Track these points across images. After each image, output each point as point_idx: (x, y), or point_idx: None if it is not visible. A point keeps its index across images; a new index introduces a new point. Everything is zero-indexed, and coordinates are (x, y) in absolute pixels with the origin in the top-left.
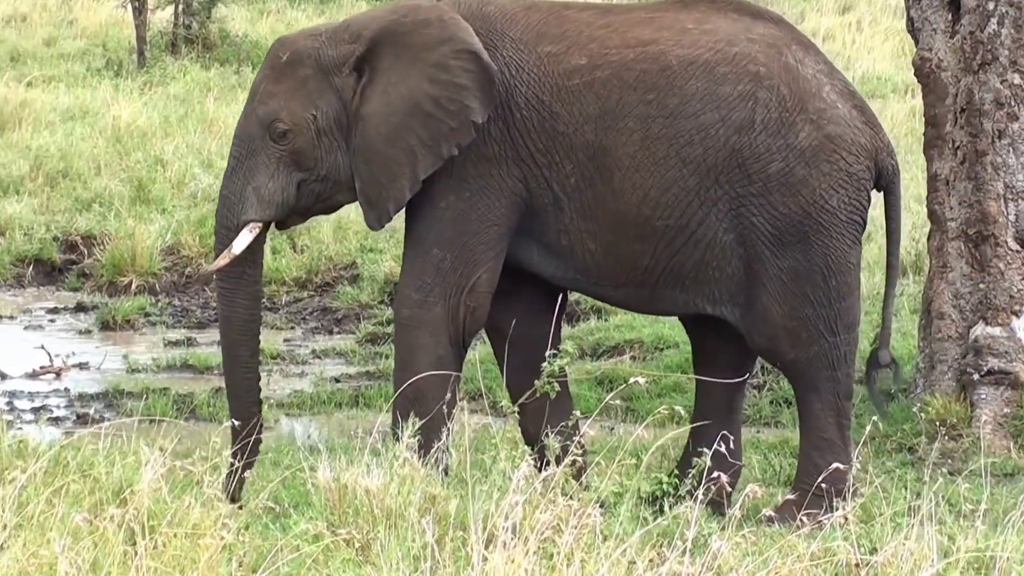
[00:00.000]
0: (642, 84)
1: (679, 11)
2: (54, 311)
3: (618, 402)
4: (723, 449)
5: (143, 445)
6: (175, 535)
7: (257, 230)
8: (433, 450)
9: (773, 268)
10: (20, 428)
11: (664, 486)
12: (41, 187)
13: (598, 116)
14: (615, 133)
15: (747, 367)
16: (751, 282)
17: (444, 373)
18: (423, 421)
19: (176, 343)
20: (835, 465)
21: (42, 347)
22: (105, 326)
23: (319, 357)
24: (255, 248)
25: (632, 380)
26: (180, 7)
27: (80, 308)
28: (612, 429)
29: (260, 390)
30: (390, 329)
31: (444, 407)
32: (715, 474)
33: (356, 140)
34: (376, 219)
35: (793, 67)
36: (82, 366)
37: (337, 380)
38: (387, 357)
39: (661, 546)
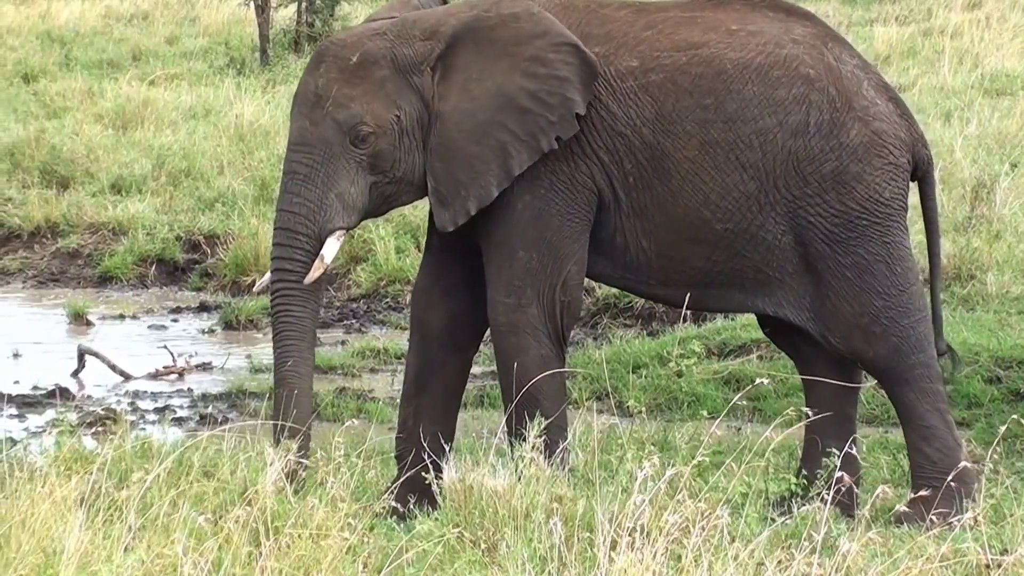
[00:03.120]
0: (698, 88)
1: (716, 11)
2: (177, 311)
3: (744, 402)
4: (852, 451)
5: (267, 446)
6: (299, 536)
7: (343, 238)
8: (559, 450)
9: (836, 265)
10: (143, 429)
11: (792, 487)
12: (164, 186)
13: (655, 119)
14: (673, 136)
15: (855, 372)
16: (816, 282)
17: (552, 372)
18: (546, 422)
19: None
20: (963, 464)
21: (165, 347)
22: (228, 326)
23: None
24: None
25: (758, 381)
26: (303, 5)
27: (203, 308)
28: (739, 429)
29: (313, 402)
30: None
31: (560, 405)
32: (839, 474)
33: (433, 139)
34: (451, 219)
35: (835, 67)
36: (205, 366)
37: None
38: None
39: (789, 547)
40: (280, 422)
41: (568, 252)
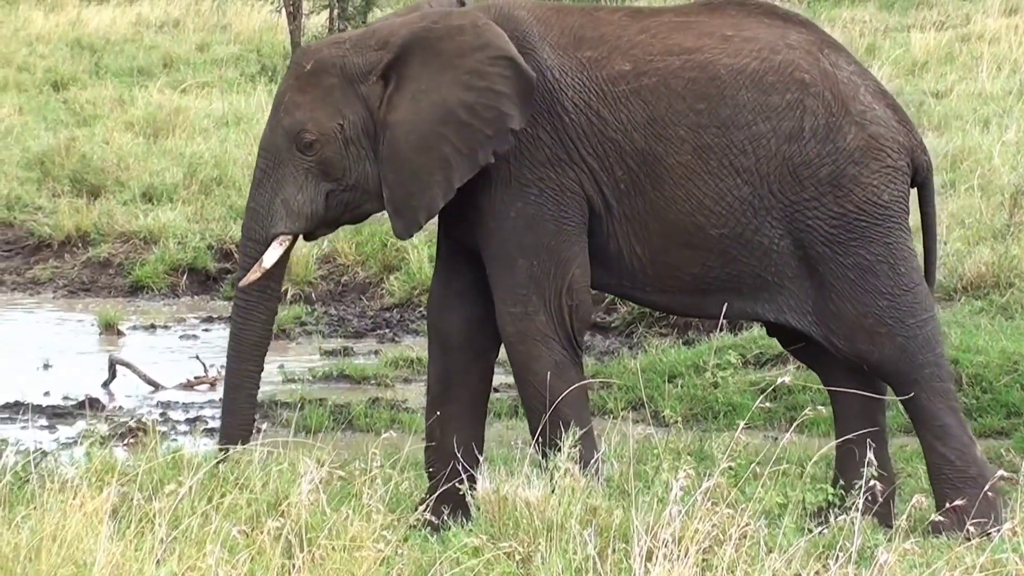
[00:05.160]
0: (691, 93)
1: (712, 16)
2: (208, 320)
3: (773, 407)
4: (888, 460)
5: (301, 457)
6: (333, 548)
7: (287, 243)
8: (593, 459)
9: (838, 267)
10: (175, 440)
11: (829, 497)
12: (195, 195)
13: (646, 123)
14: (665, 141)
15: (878, 381)
16: (817, 286)
17: (568, 377)
18: (571, 429)
19: (332, 353)
20: (1000, 473)
21: (197, 357)
22: None
23: None
24: (280, 262)
25: (780, 380)
26: (335, 12)
27: None
28: (775, 439)
29: (256, 409)
30: None
31: (583, 411)
32: (872, 483)
33: (383, 149)
34: (404, 228)
35: (831, 72)
36: None
37: (496, 390)
38: None
39: (826, 557)
40: (224, 421)
41: (569, 255)
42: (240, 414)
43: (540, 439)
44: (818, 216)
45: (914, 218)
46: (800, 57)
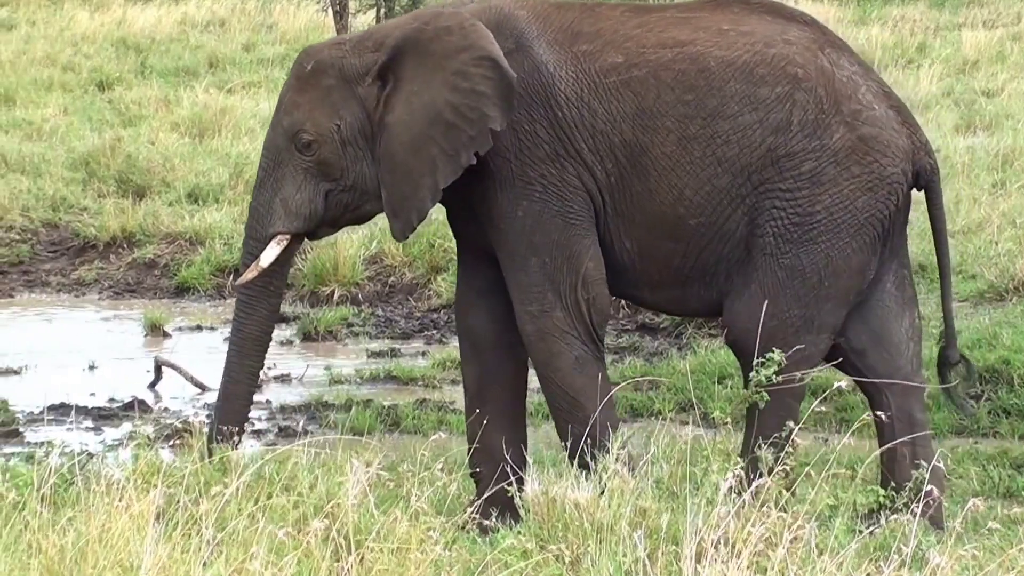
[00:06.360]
0: (680, 84)
1: (713, 12)
2: None
3: (824, 409)
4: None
5: (349, 458)
6: (382, 550)
7: (285, 242)
8: (612, 449)
9: (773, 263)
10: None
11: (881, 498)
12: (241, 195)
13: (635, 114)
14: (652, 132)
15: (916, 373)
16: (747, 270)
17: (590, 372)
18: (590, 425)
19: (379, 354)
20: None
21: None
22: (307, 337)
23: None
24: (283, 260)
25: (835, 385)
26: (382, 10)
27: (282, 319)
28: (826, 440)
29: (251, 406)
30: None
31: (606, 405)
32: (928, 487)
33: (380, 149)
34: (400, 230)
35: (829, 69)
36: (284, 378)
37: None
38: None
39: (878, 560)
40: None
41: (580, 249)
42: (234, 409)
43: (569, 438)
44: (784, 208)
45: (915, 217)
46: (796, 52)
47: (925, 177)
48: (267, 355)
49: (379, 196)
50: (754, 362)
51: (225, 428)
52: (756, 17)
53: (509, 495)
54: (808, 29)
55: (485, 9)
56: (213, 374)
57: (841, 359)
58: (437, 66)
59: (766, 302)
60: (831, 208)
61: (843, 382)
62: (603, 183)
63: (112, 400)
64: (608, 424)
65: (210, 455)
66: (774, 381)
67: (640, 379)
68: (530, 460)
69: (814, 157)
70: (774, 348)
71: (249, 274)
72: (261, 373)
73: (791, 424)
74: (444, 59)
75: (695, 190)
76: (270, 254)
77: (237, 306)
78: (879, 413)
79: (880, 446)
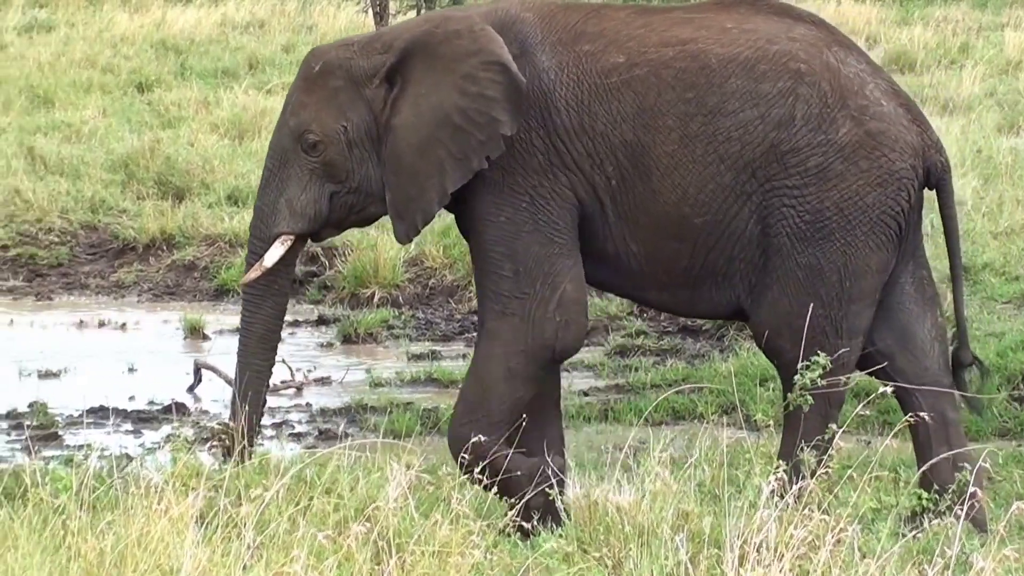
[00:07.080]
0: (681, 82)
1: (719, 12)
2: (295, 324)
3: (867, 412)
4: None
5: (389, 461)
6: (423, 553)
7: (289, 242)
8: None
9: (791, 263)
10: (261, 444)
11: (924, 502)
12: None
13: (636, 114)
14: (653, 131)
15: (945, 375)
16: (766, 272)
17: (515, 390)
18: (480, 432)
19: (420, 356)
20: None
21: (283, 361)
22: (347, 339)
23: (567, 370)
24: (288, 260)
25: (881, 389)
26: (422, 11)
27: (321, 321)
28: (868, 443)
29: (265, 403)
30: (639, 341)
31: (502, 424)
32: (972, 490)
33: (386, 152)
34: (404, 232)
35: (834, 65)
36: (324, 380)
37: (585, 393)
38: (636, 370)
39: (921, 564)
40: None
41: (560, 268)
42: (245, 409)
43: (452, 431)
44: (796, 205)
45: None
46: (800, 48)
47: (936, 175)
48: (303, 357)
49: (384, 199)
50: (775, 362)
51: (239, 428)
52: (762, 16)
53: (551, 498)
54: (815, 28)
55: (493, 12)
56: None
57: (873, 366)
58: (446, 69)
59: (787, 301)
60: (841, 204)
61: (888, 387)
62: (603, 189)
63: (151, 403)
64: (500, 422)
65: (232, 456)
66: (817, 384)
67: (684, 384)
68: (571, 463)
69: (820, 152)
70: (798, 347)
71: (253, 274)
72: (300, 376)
73: (833, 427)
74: (453, 62)
75: (699, 188)
76: (274, 254)
77: (243, 306)
78: (917, 414)
79: (915, 448)
